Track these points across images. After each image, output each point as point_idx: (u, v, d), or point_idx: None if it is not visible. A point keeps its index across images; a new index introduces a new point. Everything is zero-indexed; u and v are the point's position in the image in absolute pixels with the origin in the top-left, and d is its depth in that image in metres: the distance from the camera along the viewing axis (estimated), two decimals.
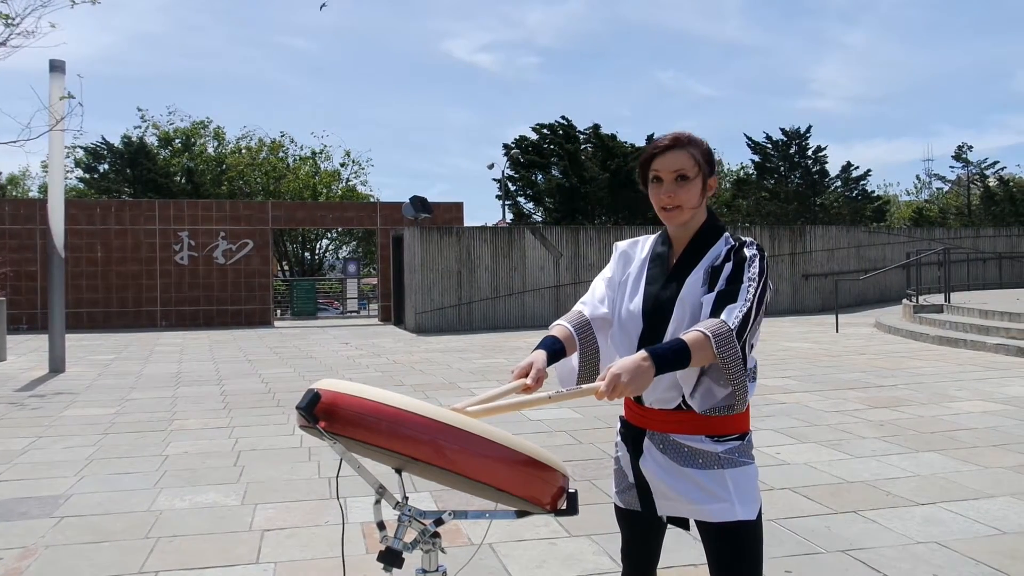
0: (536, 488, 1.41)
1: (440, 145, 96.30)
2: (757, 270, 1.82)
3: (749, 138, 41.19)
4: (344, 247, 44.78)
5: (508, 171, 37.88)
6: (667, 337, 1.84)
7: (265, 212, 21.64)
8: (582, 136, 39.02)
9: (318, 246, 43.40)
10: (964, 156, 47.75)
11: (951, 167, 62.48)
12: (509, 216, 38.45)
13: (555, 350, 1.89)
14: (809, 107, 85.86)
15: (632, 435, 1.96)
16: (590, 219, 36.29)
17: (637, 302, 1.93)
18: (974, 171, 47.64)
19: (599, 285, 2.04)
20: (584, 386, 1.64)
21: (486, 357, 12.25)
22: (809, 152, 41.91)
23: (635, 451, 1.93)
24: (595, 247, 19.21)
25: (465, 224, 21.57)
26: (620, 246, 2.07)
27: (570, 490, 1.53)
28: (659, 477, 1.87)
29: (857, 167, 42.78)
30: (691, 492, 1.83)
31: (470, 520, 1.69)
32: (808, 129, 41.26)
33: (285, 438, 6.45)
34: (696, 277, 1.86)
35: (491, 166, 44.89)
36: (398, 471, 1.72)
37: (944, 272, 16.26)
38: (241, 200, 30.21)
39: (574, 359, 1.94)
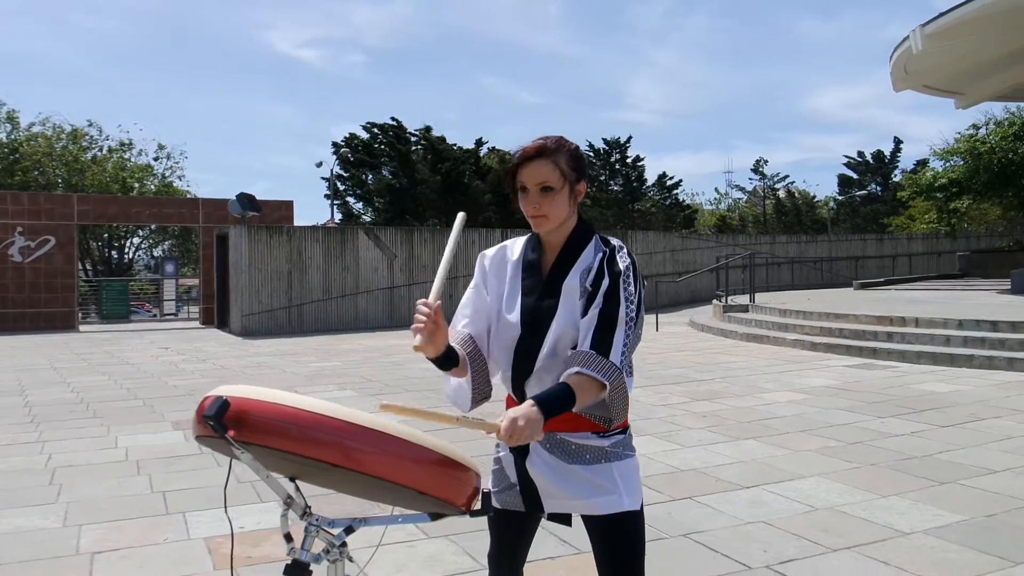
0: (452, 488, 1.40)
1: (262, 141, 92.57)
2: (633, 287, 1.83)
3: None
4: (158, 246, 41.85)
5: (338, 170, 37.03)
6: (545, 347, 1.85)
7: (70, 206, 19.78)
8: (413, 137, 38.88)
9: (127, 244, 40.28)
10: (761, 169, 52.39)
11: (750, 179, 68.40)
12: (338, 216, 37.58)
13: (452, 356, 1.85)
14: (624, 119, 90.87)
15: None
16: (420, 220, 36.19)
17: (515, 313, 1.91)
18: (768, 184, 52.35)
19: (471, 300, 2.00)
20: (488, 421, 1.60)
21: (321, 360, 11.93)
22: (629, 161, 44.30)
23: (520, 451, 1.92)
24: (429, 248, 19.22)
25: (295, 223, 20.86)
26: (487, 255, 2.03)
27: (484, 489, 1.53)
28: (546, 476, 1.87)
29: (672, 177, 45.58)
30: (579, 488, 1.85)
31: (379, 527, 1.62)
32: (628, 139, 43.59)
33: (106, 452, 5.96)
34: (572, 284, 1.86)
35: (319, 164, 43.78)
36: (292, 479, 1.66)
37: (749, 275, 17.76)
38: (40, 192, 27.41)
39: (464, 381, 1.92)
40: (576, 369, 1.73)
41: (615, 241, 1.92)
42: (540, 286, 1.91)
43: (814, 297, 17.81)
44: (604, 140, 43.04)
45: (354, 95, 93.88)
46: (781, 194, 52.64)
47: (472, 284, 2.04)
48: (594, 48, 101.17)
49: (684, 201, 48.21)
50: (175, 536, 4.05)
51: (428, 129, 38.79)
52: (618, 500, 1.86)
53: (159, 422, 7.14)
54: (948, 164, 25.99)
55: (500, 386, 2.05)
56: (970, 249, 27.20)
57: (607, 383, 1.71)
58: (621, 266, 1.85)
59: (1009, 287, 16.63)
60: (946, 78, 19.61)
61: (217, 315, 19.72)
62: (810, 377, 8.97)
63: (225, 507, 1.73)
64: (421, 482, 1.34)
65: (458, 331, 1.95)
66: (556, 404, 1.67)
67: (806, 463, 5.21)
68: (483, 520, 1.74)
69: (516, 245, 2.02)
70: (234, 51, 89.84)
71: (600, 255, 1.87)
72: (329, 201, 36.28)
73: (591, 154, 43.05)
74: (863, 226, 44.63)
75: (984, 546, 3.63)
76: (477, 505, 1.52)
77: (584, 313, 1.82)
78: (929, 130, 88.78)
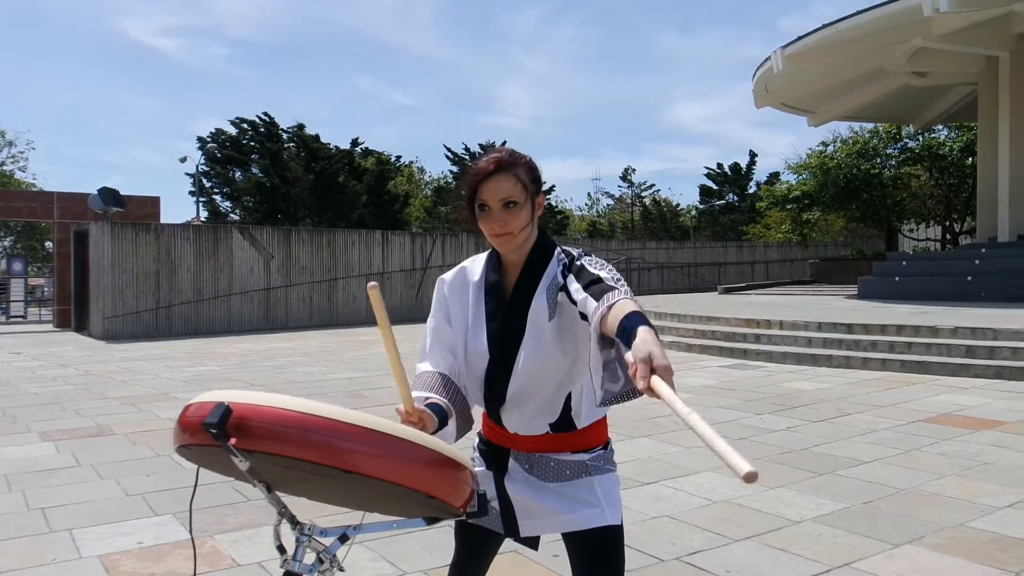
0: (455, 489, 1.37)
1: (117, 133, 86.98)
2: (603, 260, 1.79)
3: (449, 149, 42.91)
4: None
5: (203, 166, 35.36)
6: (517, 369, 1.78)
7: None
8: (285, 135, 37.72)
9: None
10: (629, 177, 54.36)
11: (619, 186, 70.88)
12: (204, 214, 35.87)
13: (443, 417, 1.71)
14: (496, 124, 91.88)
15: (495, 453, 1.90)
16: (292, 221, 35.15)
17: (482, 339, 1.84)
18: (635, 191, 54.42)
19: (436, 336, 1.89)
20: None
21: (197, 364, 11.38)
22: None
23: (499, 470, 1.87)
24: (308, 249, 18.72)
25: (162, 220, 19.78)
26: (446, 280, 1.95)
27: (479, 490, 1.50)
28: (526, 495, 1.83)
29: (544, 183, 46.29)
30: (560, 504, 1.81)
31: (374, 533, 1.59)
32: (504, 144, 44.03)
33: None
34: (540, 304, 1.78)
35: (184, 159, 41.38)
36: (268, 488, 1.60)
37: (626, 279, 18.37)
38: None
39: (450, 425, 1.77)
40: (607, 303, 1.52)
41: (574, 250, 1.85)
42: (504, 309, 1.82)
43: (684, 301, 18.67)
44: (480, 145, 43.23)
45: (217, 89, 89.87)
46: (647, 202, 54.82)
47: (433, 316, 1.93)
48: (467, 52, 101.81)
49: (556, 207, 49.28)
50: (64, 556, 3.78)
51: (301, 127, 37.76)
52: (600, 514, 1.81)
53: (24, 433, 6.61)
54: (800, 178, 27.97)
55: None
56: (819, 257, 29.33)
57: (632, 299, 1.54)
58: (584, 260, 1.77)
59: (856, 292, 18.05)
60: (801, 97, 21.11)
61: (74, 317, 18.38)
62: (690, 377, 9.41)
63: (190, 523, 1.63)
64: (427, 484, 1.32)
65: (429, 373, 1.83)
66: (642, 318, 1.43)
67: (698, 459, 5.48)
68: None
69: (475, 266, 1.93)
70: (85, 36, 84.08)
71: (561, 265, 1.81)
72: (194, 198, 34.61)
73: (467, 157, 43.20)
74: (722, 234, 47.13)
75: (866, 530, 3.95)
76: (473, 507, 1.49)
77: (550, 317, 1.76)
78: (778, 145, 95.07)
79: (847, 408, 7.24)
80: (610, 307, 1.50)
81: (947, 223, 26.75)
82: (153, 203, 20.70)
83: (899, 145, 26.91)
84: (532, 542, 1.91)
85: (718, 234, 47.98)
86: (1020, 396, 7.63)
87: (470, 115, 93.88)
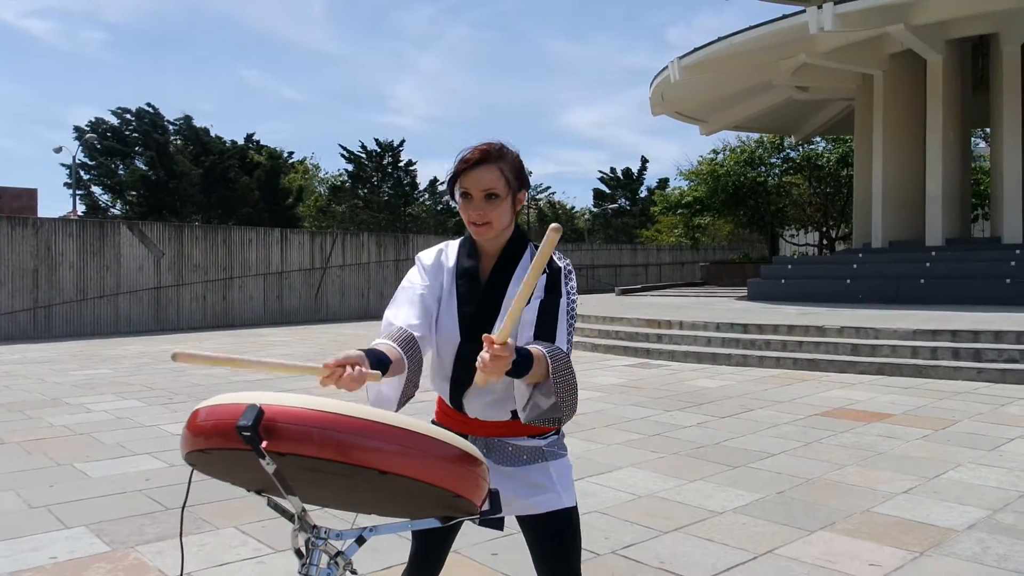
0: (476, 486, 1.37)
1: None
2: (574, 284, 1.88)
3: (344, 147, 42.13)
4: None
5: (82, 157, 33.38)
6: None
7: None
8: (172, 127, 36.10)
9: None
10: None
11: None
12: (81, 208, 33.87)
13: (379, 359, 1.65)
14: (390, 122, 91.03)
15: None
16: (180, 216, 33.67)
17: (452, 321, 1.87)
18: (531, 194, 55.16)
19: (415, 300, 1.87)
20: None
21: (85, 368, 10.74)
22: (401, 165, 44.34)
23: None
24: (201, 247, 17.99)
25: (39, 214, 18.53)
26: (424, 258, 1.97)
27: (492, 488, 1.48)
28: None
29: (443, 182, 46.18)
30: (518, 489, 1.86)
31: (389, 534, 1.57)
32: (401, 143, 43.59)
33: None
34: (514, 292, 1.81)
35: (59, 150, 38.93)
36: (259, 492, 1.57)
37: None
38: None
39: (396, 380, 1.75)
40: (534, 346, 1.69)
41: (561, 260, 1.90)
42: (478, 294, 1.88)
43: (585, 302, 19.08)
44: (377, 142, 42.68)
45: (93, 76, 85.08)
46: (543, 204, 55.65)
47: (411, 283, 1.92)
48: (359, 49, 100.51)
49: (454, 207, 49.17)
50: None
51: (189, 119, 36.24)
52: (556, 498, 1.88)
53: None
54: (691, 184, 29.13)
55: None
56: (709, 260, 30.60)
57: (551, 359, 1.67)
58: (560, 264, 1.87)
59: (745, 294, 18.95)
60: (695, 107, 21.97)
61: None
62: (599, 376, 9.65)
63: (180, 534, 1.56)
64: (455, 482, 1.31)
65: (400, 327, 1.80)
66: (522, 360, 1.60)
67: (618, 455, 5.64)
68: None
69: (451, 250, 1.97)
70: None
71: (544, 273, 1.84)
72: (71, 191, 32.62)
73: (363, 155, 42.52)
74: (615, 236, 48.36)
75: (783, 519, 4.19)
76: (486, 505, 1.49)
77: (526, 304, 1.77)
78: (665, 151, 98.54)
79: (750, 404, 7.62)
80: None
81: (824, 229, 28.47)
82: (30, 195, 19.46)
83: (782, 155, 28.47)
84: (496, 523, 1.91)
85: (611, 237, 49.17)
86: (902, 391, 8.24)
87: (363, 113, 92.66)
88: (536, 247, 1.88)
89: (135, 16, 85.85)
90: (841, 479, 4.94)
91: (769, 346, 10.58)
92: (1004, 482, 4.81)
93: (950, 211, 17.10)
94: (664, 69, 18.84)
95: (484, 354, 1.53)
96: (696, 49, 17.22)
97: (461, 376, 1.87)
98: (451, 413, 1.95)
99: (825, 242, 28.66)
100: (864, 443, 5.90)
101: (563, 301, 1.84)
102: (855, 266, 17.10)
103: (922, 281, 15.41)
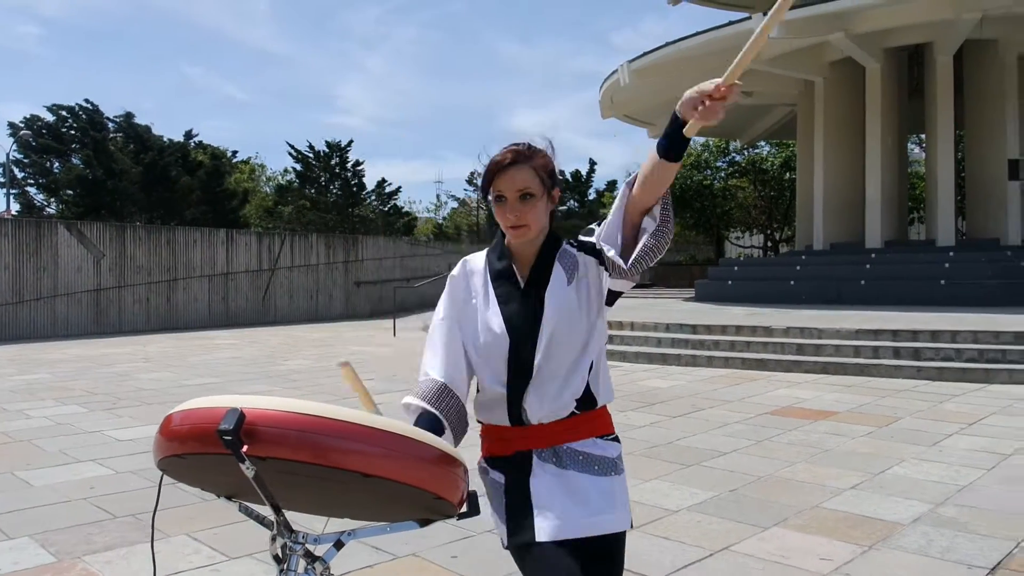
0: (454, 486, 1.36)
1: None
2: None
3: (292, 146, 41.43)
4: None
5: (16, 154, 32.20)
6: (539, 350, 1.76)
7: None
8: (111, 124, 35.04)
9: None
10: (474, 181, 55.01)
11: (465, 190, 71.63)
12: (15, 207, 32.69)
13: (435, 429, 1.66)
14: (338, 122, 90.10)
15: (513, 461, 1.81)
16: (118, 216, 32.70)
17: (499, 324, 1.79)
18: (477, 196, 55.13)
19: (442, 338, 1.84)
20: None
21: (23, 372, 10.37)
22: (349, 165, 43.87)
23: (520, 472, 1.78)
24: (144, 248, 17.53)
25: None
26: (454, 275, 1.91)
27: (470, 489, 1.47)
28: (554, 493, 1.73)
29: (390, 183, 45.97)
30: (588, 503, 1.73)
31: (369, 538, 1.55)
32: (349, 143, 43.13)
33: None
34: (558, 277, 1.80)
35: None
36: (229, 497, 1.54)
37: None
38: None
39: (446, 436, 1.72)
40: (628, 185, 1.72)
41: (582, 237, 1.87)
42: (519, 292, 1.81)
43: None
44: (326, 143, 42.13)
45: (27, 71, 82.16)
46: (492, 206, 55.65)
47: (441, 317, 1.87)
48: (305, 48, 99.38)
49: (403, 208, 48.92)
50: None
51: (130, 116, 35.21)
52: (619, 519, 1.75)
53: None
54: None
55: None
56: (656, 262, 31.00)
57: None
58: (593, 239, 1.81)
59: (693, 295, 19.26)
60: (644, 110, 22.26)
61: None
62: None
63: (152, 542, 1.51)
64: (435, 483, 1.30)
65: (429, 380, 1.77)
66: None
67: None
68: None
69: (477, 261, 1.91)
70: None
71: (573, 249, 1.84)
72: (4, 190, 31.43)
73: (310, 155, 41.93)
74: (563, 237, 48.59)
75: (736, 516, 4.27)
76: (464, 507, 1.48)
77: (568, 282, 1.79)
78: (611, 154, 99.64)
79: (700, 404, 7.75)
80: (630, 184, 1.70)
81: (768, 231, 29.12)
82: None
83: (727, 159, 29.03)
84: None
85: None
86: (846, 389, 8.48)
87: (309, 113, 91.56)
88: (572, 242, 1.87)
89: (71, 10, 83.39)
90: (791, 476, 5.06)
91: (718, 346, 10.78)
92: (945, 476, 4.99)
93: (888, 214, 17.67)
94: (614, 73, 19.05)
95: (704, 99, 1.56)
96: (645, 53, 17.47)
97: (518, 378, 1.78)
98: (506, 435, 1.82)
99: (769, 244, 29.32)
100: (812, 440, 6.05)
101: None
102: (798, 268, 17.53)
103: (862, 282, 15.89)
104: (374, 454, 1.25)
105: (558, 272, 1.81)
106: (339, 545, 1.45)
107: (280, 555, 1.44)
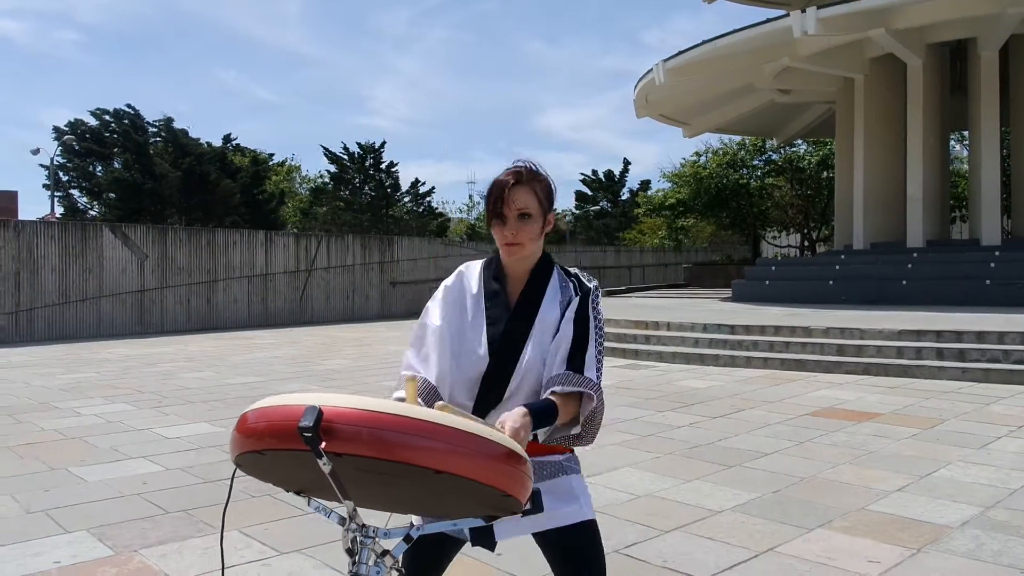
0: (523, 484, 1.39)
1: None
2: (600, 305, 1.94)
3: (326, 148, 41.87)
4: None
5: (60, 158, 32.98)
6: (515, 378, 1.84)
7: None
8: (152, 128, 35.74)
9: None
10: None
11: None
12: (60, 210, 33.48)
13: None
14: (369, 124, 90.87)
15: None
16: (159, 219, 33.34)
17: (482, 344, 1.87)
18: None
19: (432, 338, 1.90)
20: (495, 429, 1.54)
21: (71, 372, 10.64)
22: (383, 167, 44.20)
23: None
24: (185, 249, 17.87)
25: (19, 217, 18.31)
26: (448, 284, 1.99)
27: (535, 487, 1.47)
28: None
29: (424, 183, 46.24)
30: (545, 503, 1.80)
31: (432, 532, 1.58)
32: (383, 144, 43.46)
33: None
34: (549, 312, 1.88)
35: (37, 151, 38.43)
36: (299, 492, 1.59)
37: None
38: None
39: None
40: (557, 388, 1.77)
41: (573, 268, 1.99)
42: (507, 316, 1.89)
43: None
44: (359, 144, 42.51)
45: (68, 77, 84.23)
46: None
47: (437, 324, 1.93)
48: (336, 50, 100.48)
49: (437, 208, 49.15)
50: None
51: (169, 120, 35.89)
52: (579, 510, 1.89)
53: None
54: (674, 186, 29.31)
55: None
56: (692, 262, 30.79)
57: (593, 393, 1.79)
58: (590, 286, 1.94)
59: (729, 295, 19.10)
60: (678, 109, 22.13)
61: None
62: None
63: (221, 535, 1.57)
64: (505, 480, 1.33)
65: (419, 380, 1.82)
66: (543, 415, 1.71)
67: (614, 456, 5.69)
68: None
69: (472, 273, 1.98)
70: None
71: (565, 281, 1.94)
72: (49, 193, 32.21)
73: (345, 157, 42.33)
74: (596, 238, 48.50)
75: (781, 517, 4.25)
76: (528, 504, 1.50)
77: (554, 335, 1.86)
78: (642, 154, 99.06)
79: (740, 404, 7.70)
80: (553, 392, 1.79)
81: (805, 231, 28.75)
82: (10, 198, 19.23)
83: (763, 157, 28.72)
84: (489, 543, 1.88)
85: (593, 239, 49.27)
86: (889, 390, 8.36)
87: (341, 114, 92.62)
88: (564, 270, 1.98)
89: (108, 17, 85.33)
90: (835, 478, 5.02)
91: (756, 347, 10.69)
92: (994, 480, 4.90)
93: (930, 213, 17.35)
94: (648, 72, 18.96)
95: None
96: (681, 52, 17.36)
97: (486, 399, 1.88)
98: None
99: (806, 244, 28.96)
100: (855, 442, 5.99)
101: (591, 325, 1.88)
102: (838, 267, 17.29)
103: (904, 282, 15.62)
104: (445, 451, 1.28)
105: (550, 297, 1.91)
106: (408, 539, 1.49)
107: (352, 548, 1.48)
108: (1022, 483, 4.82)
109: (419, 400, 1.72)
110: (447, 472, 1.28)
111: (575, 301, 1.89)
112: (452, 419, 1.33)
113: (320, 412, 1.25)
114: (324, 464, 1.27)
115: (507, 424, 1.61)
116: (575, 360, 1.82)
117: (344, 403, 1.29)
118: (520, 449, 1.43)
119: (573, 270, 2.00)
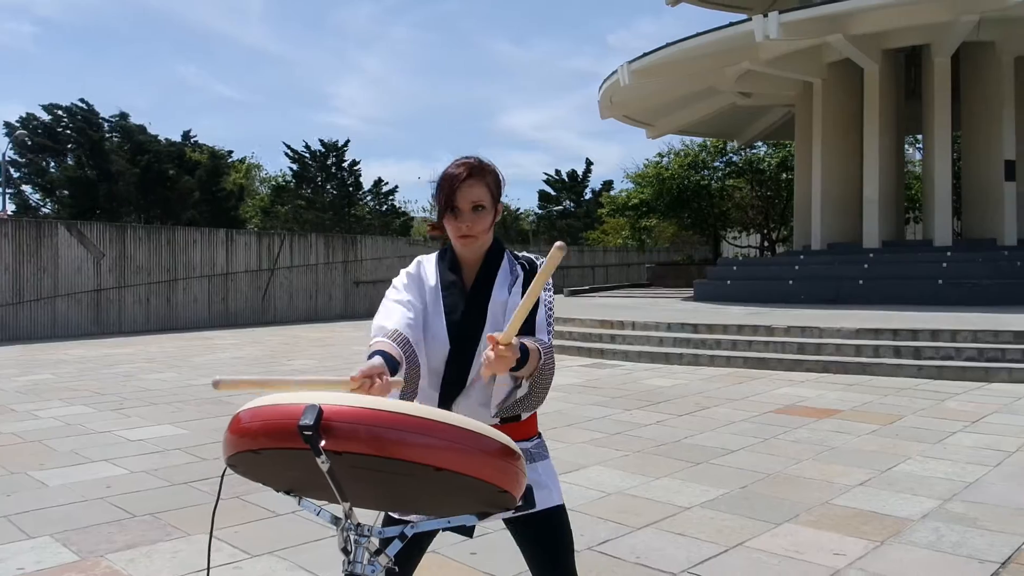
0: (516, 480, 1.39)
1: None
2: (550, 281, 1.92)
3: (288, 146, 41.50)
4: None
5: (11, 154, 32.11)
6: (477, 362, 1.86)
7: None
8: (107, 124, 34.98)
9: None
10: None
11: None
12: (11, 207, 32.62)
13: (393, 366, 1.70)
14: (331, 122, 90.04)
15: None
16: (115, 217, 32.62)
17: (442, 331, 1.92)
18: None
19: (406, 305, 1.92)
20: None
21: (26, 373, 10.38)
22: (345, 165, 43.83)
23: None
24: (144, 248, 17.53)
25: None
26: (410, 271, 2.02)
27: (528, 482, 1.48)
28: None
29: (387, 183, 45.94)
30: None
31: (428, 530, 1.59)
32: (346, 143, 43.13)
33: None
34: (499, 296, 1.94)
35: None
36: (288, 491, 1.59)
37: None
38: None
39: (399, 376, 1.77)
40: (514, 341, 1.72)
41: (522, 253, 2.05)
42: (463, 302, 1.95)
43: None
44: (321, 142, 42.12)
45: (22, 71, 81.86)
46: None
47: (399, 292, 1.96)
48: (299, 47, 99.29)
49: (400, 208, 48.88)
50: None
51: (125, 116, 35.17)
52: (549, 495, 1.93)
53: None
54: (637, 187, 29.57)
55: None
56: (654, 262, 31.08)
57: (542, 350, 1.79)
58: (539, 263, 1.97)
59: (692, 295, 19.33)
60: (643, 111, 22.33)
61: None
62: (556, 376, 9.72)
63: (210, 537, 1.55)
64: (501, 477, 1.35)
65: (391, 329, 1.81)
66: (524, 355, 1.69)
67: (583, 454, 5.74)
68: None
69: (429, 265, 2.03)
70: None
71: (515, 263, 2.00)
72: (0, 189, 31.31)
73: (307, 155, 41.90)
74: (560, 238, 48.23)
75: (748, 512, 4.33)
76: (520, 500, 1.51)
77: (507, 304, 1.92)
78: (605, 154, 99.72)
79: (705, 402, 7.81)
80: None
81: (765, 231, 29.22)
82: None
83: (724, 159, 29.13)
84: (466, 529, 1.81)
85: (556, 238, 48.79)
86: (848, 387, 8.55)
87: (304, 112, 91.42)
88: (513, 254, 2.05)
89: (64, 10, 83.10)
90: (799, 473, 5.12)
91: (720, 345, 10.85)
92: (951, 473, 5.06)
93: (886, 214, 17.76)
94: (614, 73, 19.10)
95: (489, 352, 1.62)
96: (646, 54, 17.52)
97: (453, 379, 1.93)
98: None
99: (766, 244, 29.43)
100: (817, 438, 6.12)
101: (543, 295, 1.92)
102: (797, 267, 17.62)
103: (860, 282, 15.98)
104: (444, 447, 1.29)
105: (500, 280, 1.97)
106: (403, 538, 1.50)
107: (346, 547, 1.48)
108: (977, 476, 4.98)
109: (391, 348, 1.74)
110: (447, 469, 1.29)
111: (522, 276, 1.96)
112: (448, 415, 1.35)
113: (320, 410, 1.25)
114: (323, 463, 1.28)
115: (498, 336, 1.62)
116: (527, 326, 1.85)
117: (342, 401, 1.30)
118: (512, 444, 1.45)
119: (523, 254, 2.05)
